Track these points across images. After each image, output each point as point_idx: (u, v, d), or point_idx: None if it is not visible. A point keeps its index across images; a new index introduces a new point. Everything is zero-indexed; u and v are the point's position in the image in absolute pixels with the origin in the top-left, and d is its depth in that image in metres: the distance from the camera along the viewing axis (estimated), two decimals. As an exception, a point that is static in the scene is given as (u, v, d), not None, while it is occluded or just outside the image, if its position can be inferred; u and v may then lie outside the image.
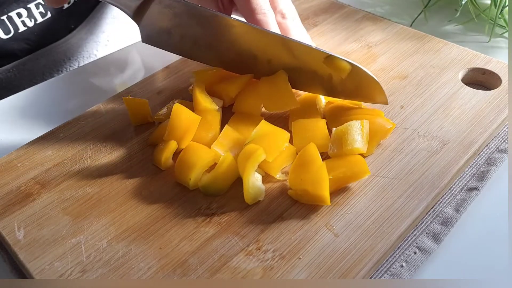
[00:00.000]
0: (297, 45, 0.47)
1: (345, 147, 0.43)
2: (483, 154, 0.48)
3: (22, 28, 0.68)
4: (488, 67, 0.54)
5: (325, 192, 0.40)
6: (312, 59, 0.47)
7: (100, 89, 0.61)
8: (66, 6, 0.71)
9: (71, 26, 0.74)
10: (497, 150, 0.48)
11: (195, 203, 0.43)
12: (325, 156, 0.45)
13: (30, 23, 0.68)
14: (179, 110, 0.45)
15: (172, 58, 0.57)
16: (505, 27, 0.65)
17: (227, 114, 0.49)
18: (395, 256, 0.40)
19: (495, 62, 0.55)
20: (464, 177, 0.46)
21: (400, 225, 0.40)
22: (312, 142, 0.43)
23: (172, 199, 0.43)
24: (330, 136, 0.45)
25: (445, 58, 0.56)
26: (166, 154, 0.45)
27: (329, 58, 0.47)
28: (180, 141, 0.45)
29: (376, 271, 0.39)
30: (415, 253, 0.40)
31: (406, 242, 0.41)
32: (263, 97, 0.49)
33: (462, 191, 0.45)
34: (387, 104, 0.48)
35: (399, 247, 0.40)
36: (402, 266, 0.39)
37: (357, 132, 0.44)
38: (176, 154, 0.46)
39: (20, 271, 0.41)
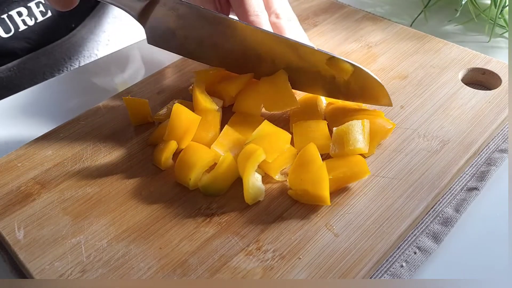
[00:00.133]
0: (300, 46, 0.47)
1: (347, 148, 0.43)
2: (483, 154, 0.48)
3: (22, 27, 0.68)
4: (488, 67, 0.54)
5: (325, 192, 0.40)
6: (314, 60, 0.48)
7: (100, 89, 0.61)
8: None
9: (71, 25, 0.74)
10: (497, 150, 0.48)
11: (195, 203, 0.43)
12: (325, 156, 0.45)
13: (31, 22, 0.68)
14: (179, 110, 0.45)
15: (172, 58, 0.57)
16: (505, 27, 0.65)
17: (227, 114, 0.49)
18: (395, 256, 0.40)
19: (495, 62, 0.55)
20: (464, 177, 0.46)
21: (400, 225, 0.40)
22: (312, 142, 0.43)
23: (172, 199, 0.43)
24: (331, 137, 0.45)
25: (445, 58, 0.56)
26: (166, 154, 0.45)
27: (332, 60, 0.47)
28: (180, 141, 0.45)
29: (376, 271, 0.39)
30: (415, 253, 0.40)
31: (406, 242, 0.41)
32: (263, 97, 0.49)
33: (462, 191, 0.45)
34: (391, 106, 0.48)
35: (399, 247, 0.41)
36: (402, 266, 0.39)
37: (358, 132, 0.44)
38: (176, 154, 0.46)
39: (20, 271, 0.41)
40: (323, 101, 0.51)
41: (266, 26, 0.49)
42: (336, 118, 0.48)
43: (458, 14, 0.67)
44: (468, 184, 0.45)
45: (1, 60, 0.68)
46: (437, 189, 0.42)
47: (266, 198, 0.43)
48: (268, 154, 0.42)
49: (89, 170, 0.46)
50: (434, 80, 0.53)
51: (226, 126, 0.46)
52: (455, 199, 0.44)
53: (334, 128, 0.45)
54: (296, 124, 0.47)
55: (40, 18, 0.69)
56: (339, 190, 0.43)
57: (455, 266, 0.40)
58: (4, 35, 0.66)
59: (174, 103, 0.47)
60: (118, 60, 0.64)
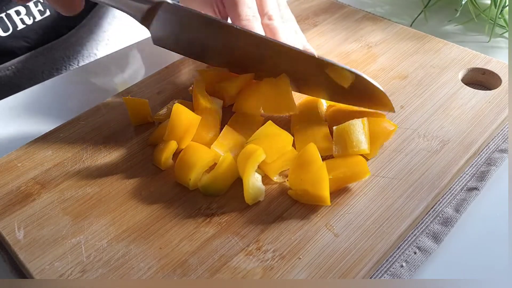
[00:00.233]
0: (299, 53, 0.47)
1: (350, 149, 0.43)
2: (483, 154, 0.48)
3: (20, 26, 0.67)
4: (488, 67, 0.54)
5: (325, 192, 0.40)
6: (314, 67, 0.48)
7: (100, 88, 0.61)
8: None
9: (71, 24, 0.74)
10: (497, 150, 0.48)
11: (195, 203, 0.43)
12: (326, 156, 0.45)
13: (29, 21, 0.68)
14: (179, 110, 0.45)
15: (172, 58, 0.57)
16: (505, 27, 0.65)
17: (227, 114, 0.49)
18: (395, 256, 0.40)
19: (495, 62, 0.55)
20: (464, 177, 0.46)
21: (400, 225, 0.40)
22: (312, 142, 0.43)
23: (172, 199, 0.43)
24: (332, 140, 0.45)
25: (445, 58, 0.56)
26: (166, 154, 0.45)
27: (332, 68, 0.47)
28: (180, 141, 0.45)
29: (376, 271, 0.39)
30: (415, 253, 0.40)
31: (406, 242, 0.41)
32: (262, 98, 0.49)
33: (462, 191, 0.45)
34: (394, 112, 0.48)
35: (399, 247, 0.41)
36: (402, 266, 0.39)
37: (360, 132, 0.44)
38: (176, 154, 0.46)
39: (20, 271, 0.41)
40: (324, 104, 0.51)
41: (258, 29, 0.50)
42: (337, 120, 0.48)
43: (458, 14, 0.67)
44: (468, 184, 0.45)
45: None
46: (437, 189, 0.42)
47: (266, 198, 0.43)
48: (268, 155, 0.42)
49: (89, 170, 0.46)
50: (434, 80, 0.53)
51: (226, 126, 0.46)
52: (455, 199, 0.44)
53: (334, 127, 0.45)
54: (297, 127, 0.47)
55: (38, 17, 0.69)
56: (339, 190, 0.43)
57: (455, 266, 0.40)
58: (2, 34, 0.66)
59: (174, 103, 0.47)
60: (118, 60, 0.64)
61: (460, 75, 0.54)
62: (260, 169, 0.44)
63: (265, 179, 0.44)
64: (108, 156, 0.47)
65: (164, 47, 0.52)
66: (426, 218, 0.43)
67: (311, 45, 0.59)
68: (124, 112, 0.52)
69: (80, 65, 0.76)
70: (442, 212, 0.43)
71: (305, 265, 0.38)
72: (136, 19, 0.50)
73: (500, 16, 0.64)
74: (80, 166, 0.46)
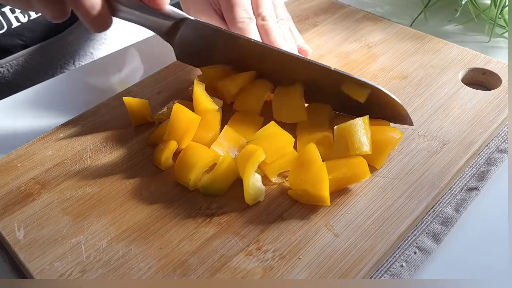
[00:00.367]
0: (313, 65, 0.48)
1: (352, 151, 0.43)
2: (483, 154, 0.48)
3: (15, 24, 0.67)
4: (488, 67, 0.54)
5: (325, 193, 0.40)
6: (331, 80, 0.48)
7: (100, 89, 0.61)
8: None
9: (66, 23, 0.74)
10: (497, 150, 0.48)
11: (195, 203, 0.43)
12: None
13: (24, 19, 0.68)
14: (179, 110, 0.45)
15: (172, 58, 0.57)
16: (505, 27, 0.65)
17: (227, 114, 0.49)
18: (395, 256, 0.40)
19: (495, 62, 0.55)
20: (464, 177, 0.46)
21: (400, 225, 0.40)
22: (312, 143, 0.43)
23: (172, 199, 0.43)
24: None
25: (445, 58, 0.56)
26: (166, 154, 0.45)
27: (349, 82, 0.46)
28: (180, 141, 0.45)
29: (376, 271, 0.39)
30: (415, 253, 0.40)
31: (406, 242, 0.41)
32: (275, 104, 0.49)
33: (462, 191, 0.45)
34: (413, 125, 0.47)
35: (399, 247, 0.41)
36: (402, 266, 0.39)
37: (362, 133, 0.43)
38: (176, 154, 0.46)
39: (20, 271, 0.41)
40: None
41: (253, 31, 0.51)
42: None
43: (458, 14, 0.67)
44: (468, 184, 0.45)
45: None
46: (437, 189, 0.42)
47: (266, 198, 0.43)
48: (268, 155, 0.42)
49: (89, 170, 0.46)
50: (434, 80, 0.53)
51: (226, 126, 0.46)
52: (455, 199, 0.44)
53: (335, 127, 0.45)
54: (301, 130, 0.47)
55: (33, 16, 0.68)
56: (339, 190, 0.43)
57: (455, 266, 0.40)
58: None
59: (174, 103, 0.47)
60: (118, 60, 0.64)
61: (460, 75, 0.54)
62: (259, 169, 0.44)
63: (265, 179, 0.44)
64: (108, 156, 0.47)
65: (187, 63, 0.54)
66: (426, 218, 0.43)
67: (311, 46, 0.59)
68: (124, 112, 0.52)
69: (76, 64, 0.76)
70: (442, 212, 0.43)
71: (305, 265, 0.38)
72: (160, 35, 0.51)
73: (500, 16, 0.64)
74: (80, 166, 0.46)
